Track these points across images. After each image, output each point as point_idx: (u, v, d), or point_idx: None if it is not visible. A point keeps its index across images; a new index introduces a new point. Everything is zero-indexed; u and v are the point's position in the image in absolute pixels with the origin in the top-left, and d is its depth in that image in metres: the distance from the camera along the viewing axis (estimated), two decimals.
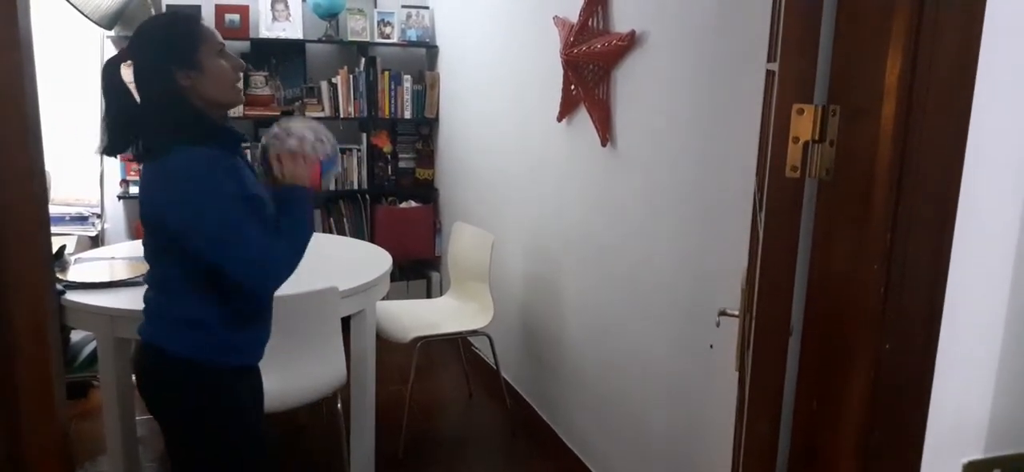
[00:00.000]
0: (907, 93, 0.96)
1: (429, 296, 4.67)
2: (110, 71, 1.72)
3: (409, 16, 4.49)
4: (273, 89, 4.23)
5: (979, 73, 0.96)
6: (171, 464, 1.88)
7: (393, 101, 4.43)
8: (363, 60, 4.35)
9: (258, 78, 4.19)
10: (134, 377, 1.94)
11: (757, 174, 1.49)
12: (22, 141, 1.37)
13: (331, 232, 4.46)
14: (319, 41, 4.31)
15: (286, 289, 2.28)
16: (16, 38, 1.35)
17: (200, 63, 1.68)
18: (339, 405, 2.76)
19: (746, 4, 1.87)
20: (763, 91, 1.44)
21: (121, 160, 4.01)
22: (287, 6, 4.20)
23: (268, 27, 4.18)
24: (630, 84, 2.45)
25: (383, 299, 2.83)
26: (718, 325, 1.66)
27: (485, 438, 3.31)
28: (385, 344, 3.03)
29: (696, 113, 2.11)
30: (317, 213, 4.48)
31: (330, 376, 2.56)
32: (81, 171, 3.97)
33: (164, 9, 3.94)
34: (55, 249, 2.33)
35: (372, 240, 4.19)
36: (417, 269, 4.72)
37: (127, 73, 1.73)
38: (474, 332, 3.23)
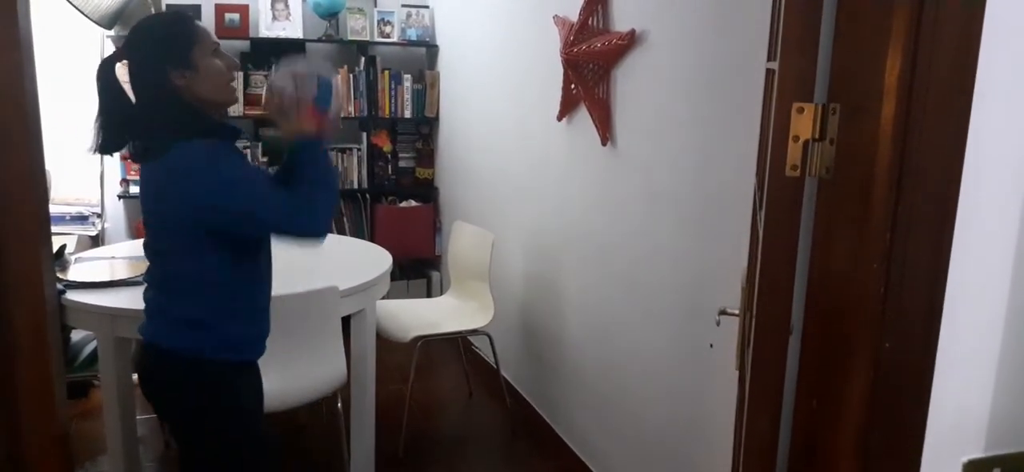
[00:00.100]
0: (907, 92, 0.96)
1: (429, 295, 4.67)
2: (105, 70, 1.72)
3: (409, 15, 4.49)
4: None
5: (979, 72, 0.96)
6: (180, 457, 1.91)
7: (393, 100, 4.43)
8: (363, 59, 4.35)
9: (258, 77, 4.19)
10: (136, 377, 1.95)
11: (757, 173, 1.49)
12: (22, 141, 1.37)
13: (331, 231, 4.44)
14: (319, 40, 4.31)
15: (286, 289, 2.29)
16: (16, 38, 1.35)
17: (194, 63, 1.69)
18: (339, 404, 2.76)
19: (746, 3, 1.87)
20: (763, 90, 1.44)
21: (121, 160, 4.01)
22: (287, 5, 4.20)
23: (268, 27, 4.18)
24: (630, 83, 2.45)
25: (383, 298, 2.83)
26: (718, 324, 1.66)
27: (485, 437, 3.31)
28: (385, 343, 3.03)
29: (696, 112, 2.11)
30: None
31: (330, 375, 2.56)
32: (81, 171, 3.96)
33: (164, 8, 3.94)
34: (55, 248, 2.33)
35: (372, 239, 4.19)
36: (417, 268, 4.72)
37: (122, 72, 1.73)
38: (474, 331, 3.23)
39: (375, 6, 4.47)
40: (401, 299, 3.67)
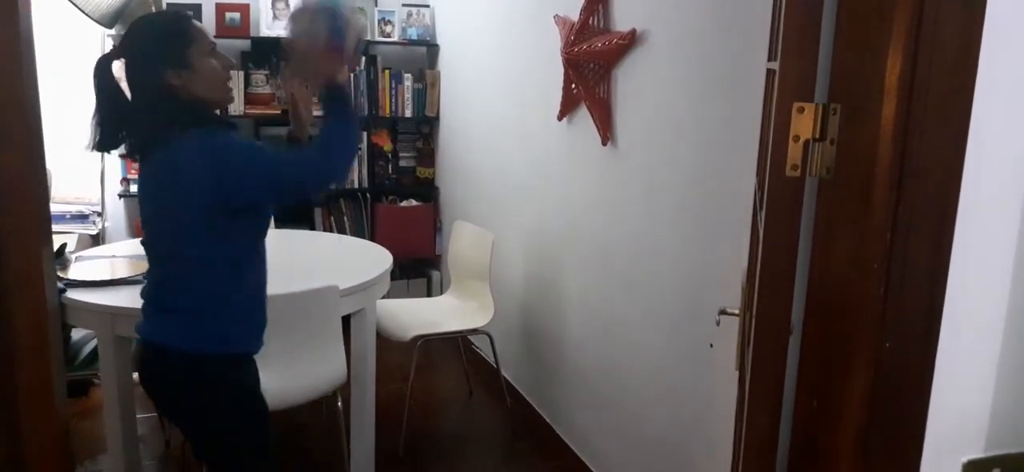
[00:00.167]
0: (908, 92, 0.96)
1: (429, 295, 4.67)
2: (102, 68, 1.74)
3: (410, 15, 4.49)
4: (274, 87, 4.22)
5: (979, 72, 0.96)
6: (193, 450, 1.94)
7: (394, 100, 4.43)
8: (364, 59, 4.35)
9: (259, 77, 4.19)
10: (136, 376, 1.96)
11: (757, 172, 1.49)
12: (22, 140, 1.37)
13: (331, 230, 4.46)
14: None
15: (286, 288, 2.29)
16: (17, 37, 1.35)
17: (191, 62, 1.70)
18: (339, 403, 2.76)
19: (747, 3, 1.87)
20: (764, 90, 1.44)
21: (121, 158, 4.01)
22: (288, 4, 4.20)
23: (269, 26, 4.18)
24: (631, 83, 2.45)
25: (383, 298, 2.83)
26: (718, 323, 1.66)
27: (485, 437, 3.31)
28: (385, 343, 3.03)
29: (697, 112, 2.11)
30: (318, 213, 4.48)
31: (330, 374, 2.56)
32: (82, 170, 3.96)
33: (163, 7, 3.94)
34: (56, 247, 2.33)
35: (372, 238, 4.19)
36: (417, 268, 4.72)
37: (119, 70, 1.74)
38: (474, 331, 3.23)
39: (376, 5, 4.47)
40: (401, 298, 3.67)
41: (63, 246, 2.65)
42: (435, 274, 4.69)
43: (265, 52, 4.24)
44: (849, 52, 1.04)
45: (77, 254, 2.83)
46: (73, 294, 2.30)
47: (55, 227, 2.96)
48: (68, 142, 3.65)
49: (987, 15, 0.95)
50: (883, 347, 1.01)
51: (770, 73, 1.36)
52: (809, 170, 1.08)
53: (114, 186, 4.09)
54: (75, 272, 2.53)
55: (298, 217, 4.28)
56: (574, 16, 2.65)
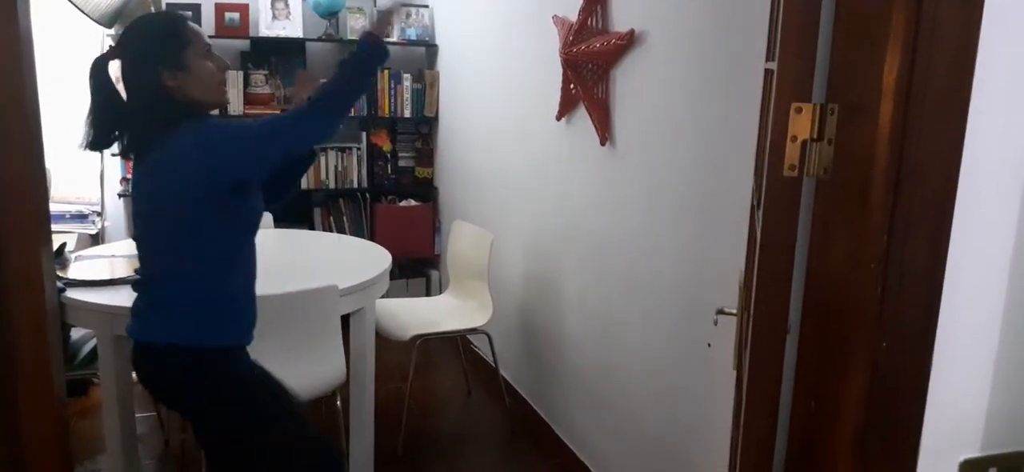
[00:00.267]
0: (905, 92, 0.96)
1: (428, 294, 4.67)
2: (98, 69, 1.75)
3: (409, 15, 4.49)
4: (273, 87, 4.23)
5: (977, 72, 0.97)
6: (194, 438, 1.99)
7: (393, 100, 4.43)
8: None
9: (258, 77, 4.19)
10: (135, 375, 1.97)
11: (755, 173, 1.50)
12: (22, 141, 1.37)
13: (331, 230, 4.46)
14: (319, 40, 4.31)
15: (286, 288, 2.30)
16: (16, 37, 1.35)
17: (186, 64, 1.73)
18: (338, 403, 2.76)
19: (745, 3, 1.88)
20: (761, 90, 1.44)
21: (121, 158, 4.01)
22: (287, 5, 4.20)
23: (268, 26, 4.18)
24: (629, 83, 2.45)
25: (382, 297, 2.83)
26: (716, 323, 1.66)
27: (484, 436, 3.31)
28: (384, 342, 3.03)
29: (695, 112, 2.11)
30: (317, 213, 4.49)
31: (329, 374, 2.56)
32: (81, 169, 3.97)
33: (164, 8, 3.94)
34: (55, 247, 2.33)
35: (372, 238, 4.19)
36: (416, 267, 4.73)
37: (115, 71, 1.76)
38: (473, 330, 3.23)
39: (375, 5, 4.47)
40: (400, 298, 3.67)
41: (63, 246, 2.65)
42: (434, 274, 4.70)
43: (264, 52, 4.24)
44: (847, 52, 1.04)
45: (76, 254, 2.83)
46: (72, 294, 2.30)
47: (55, 227, 2.96)
48: (68, 142, 3.67)
49: (985, 14, 0.95)
50: (880, 347, 1.01)
51: (768, 73, 1.36)
52: (807, 170, 1.08)
53: (113, 186, 4.09)
54: (74, 272, 2.53)
55: (298, 217, 4.29)
56: (573, 17, 2.66)
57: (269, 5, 4.18)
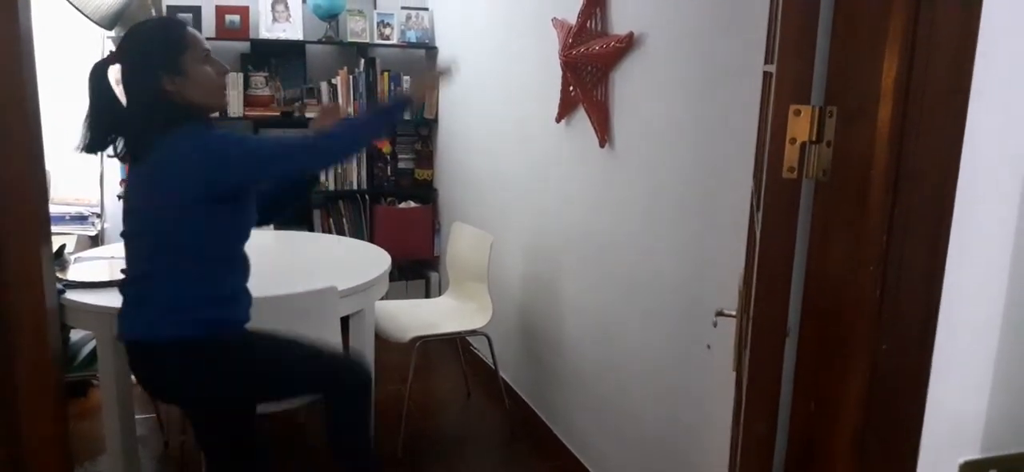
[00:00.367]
0: (904, 94, 0.96)
1: (428, 296, 4.67)
2: (98, 73, 1.77)
3: (409, 17, 4.50)
4: (273, 90, 4.23)
5: (975, 74, 0.97)
6: (195, 435, 2.04)
7: None
8: (363, 61, 4.35)
9: (258, 79, 4.19)
10: (133, 378, 1.98)
11: (754, 175, 1.50)
12: (22, 141, 1.37)
13: (330, 232, 4.46)
14: (319, 42, 4.31)
15: (286, 289, 2.30)
16: (17, 37, 1.35)
17: (185, 69, 1.74)
18: None
19: (744, 6, 1.88)
20: (760, 92, 1.44)
21: (120, 160, 4.01)
22: (287, 7, 4.21)
23: (268, 28, 4.18)
24: (628, 85, 2.45)
25: (382, 299, 2.83)
26: (715, 325, 1.66)
27: (483, 438, 3.31)
28: (384, 344, 3.03)
29: (694, 114, 2.11)
30: (317, 214, 4.49)
31: None
32: (81, 171, 3.96)
33: (164, 10, 3.94)
34: (55, 248, 2.33)
35: (371, 240, 4.19)
36: (416, 269, 4.73)
37: (115, 75, 1.78)
38: (473, 332, 3.23)
39: (375, 8, 4.48)
40: (400, 300, 3.67)
41: (62, 247, 2.65)
42: (434, 275, 4.70)
43: (264, 54, 4.24)
44: (845, 55, 1.04)
45: (76, 255, 2.83)
46: (72, 295, 2.30)
47: (54, 228, 2.96)
48: (68, 143, 3.67)
49: (983, 16, 0.95)
50: (880, 349, 1.02)
51: (767, 76, 1.36)
52: (806, 172, 1.09)
53: (113, 187, 4.09)
54: (74, 273, 2.53)
55: (298, 218, 4.29)
56: (572, 19, 2.66)
57: (269, 7, 4.19)
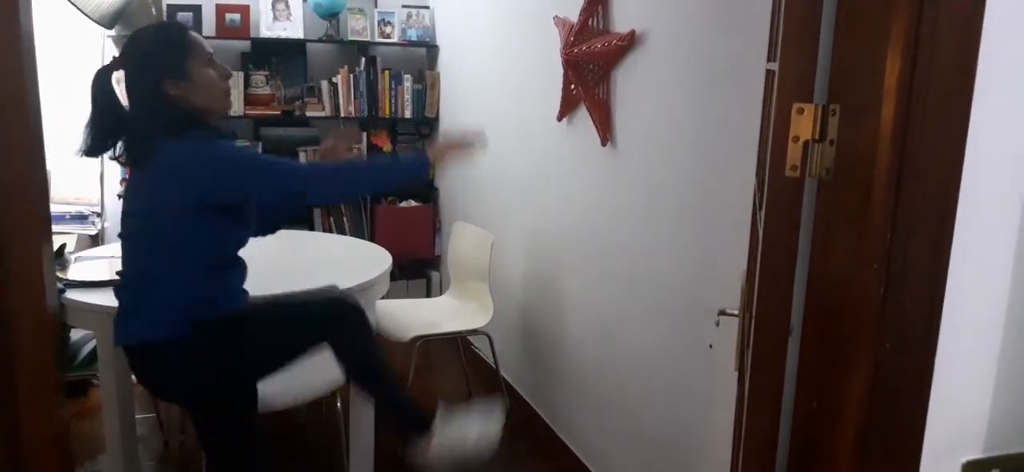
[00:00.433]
0: (907, 93, 0.96)
1: (429, 295, 4.67)
2: (101, 80, 1.77)
3: (409, 16, 4.49)
4: (273, 89, 4.23)
5: (979, 72, 0.97)
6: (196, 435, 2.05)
7: (393, 100, 4.43)
8: (363, 60, 4.35)
9: (259, 78, 4.19)
10: (133, 378, 1.98)
11: (757, 173, 1.50)
12: (22, 141, 1.37)
13: (331, 231, 4.46)
14: (320, 41, 4.31)
15: (286, 289, 2.29)
16: (17, 37, 1.35)
17: (188, 73, 1.75)
18: (338, 404, 2.75)
19: (746, 3, 1.87)
20: (763, 90, 1.44)
21: (120, 164, 4.01)
22: (288, 6, 4.20)
23: (269, 27, 4.18)
24: (630, 84, 2.45)
25: (383, 298, 2.83)
26: (718, 324, 1.66)
27: None
28: (384, 343, 3.02)
29: (696, 112, 2.11)
30: (317, 213, 4.48)
31: (329, 375, 2.55)
32: (81, 170, 3.96)
33: (165, 9, 3.94)
34: (55, 248, 2.33)
35: (372, 239, 4.19)
36: (417, 268, 4.73)
37: (118, 80, 1.79)
38: (473, 331, 3.23)
39: (375, 6, 4.47)
40: (401, 299, 3.67)
41: (62, 246, 2.65)
42: (434, 275, 4.69)
43: (265, 53, 4.24)
44: (849, 53, 1.04)
45: (76, 255, 2.83)
46: (72, 294, 2.30)
47: (55, 228, 2.96)
48: (68, 143, 3.67)
49: (987, 14, 0.95)
50: (882, 348, 1.01)
51: (769, 74, 1.36)
52: (808, 171, 1.08)
53: (113, 187, 4.09)
54: (74, 273, 2.53)
55: (298, 218, 4.28)
56: (573, 17, 2.66)
57: (270, 6, 4.18)
